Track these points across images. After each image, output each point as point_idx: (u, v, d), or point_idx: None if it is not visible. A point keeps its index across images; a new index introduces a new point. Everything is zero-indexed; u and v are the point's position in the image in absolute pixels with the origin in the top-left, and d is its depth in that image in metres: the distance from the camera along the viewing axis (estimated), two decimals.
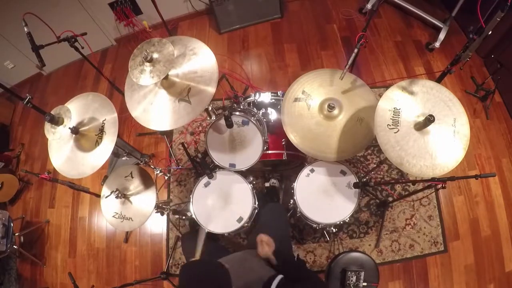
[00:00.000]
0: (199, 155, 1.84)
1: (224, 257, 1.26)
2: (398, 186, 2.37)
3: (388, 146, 1.33)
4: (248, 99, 1.97)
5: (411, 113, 1.38)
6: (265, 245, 1.25)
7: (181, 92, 1.43)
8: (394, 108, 1.38)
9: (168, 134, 2.72)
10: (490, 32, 1.32)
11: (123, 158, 2.32)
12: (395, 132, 1.35)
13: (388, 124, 1.36)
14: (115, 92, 2.52)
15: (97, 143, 1.53)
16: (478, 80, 2.69)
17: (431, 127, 1.33)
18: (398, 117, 1.37)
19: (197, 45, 1.49)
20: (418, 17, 3.05)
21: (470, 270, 2.16)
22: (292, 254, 1.71)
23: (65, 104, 1.61)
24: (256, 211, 1.75)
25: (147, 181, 1.70)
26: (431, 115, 1.27)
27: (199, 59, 1.46)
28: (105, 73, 2.88)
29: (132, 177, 1.72)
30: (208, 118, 1.83)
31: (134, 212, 1.65)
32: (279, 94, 1.93)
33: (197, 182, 1.80)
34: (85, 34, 1.97)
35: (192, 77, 1.44)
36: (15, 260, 2.54)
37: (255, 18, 3.19)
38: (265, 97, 1.93)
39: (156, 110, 1.47)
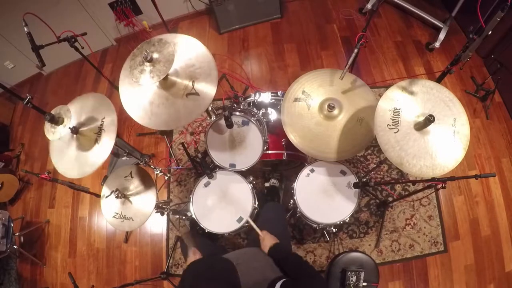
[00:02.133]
0: (199, 155, 1.83)
1: (229, 254, 1.25)
2: (398, 186, 2.37)
3: (388, 146, 1.33)
4: (248, 99, 1.97)
5: (411, 113, 1.38)
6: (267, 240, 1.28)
7: (186, 88, 1.42)
8: (394, 108, 1.38)
9: (168, 134, 2.72)
10: (490, 32, 1.32)
11: (123, 158, 2.32)
12: (395, 132, 1.35)
13: (388, 124, 1.36)
14: (115, 92, 2.52)
15: (96, 141, 1.53)
16: (478, 80, 2.69)
17: (431, 127, 1.33)
18: (398, 117, 1.36)
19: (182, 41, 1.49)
20: (418, 17, 3.05)
21: (470, 270, 2.16)
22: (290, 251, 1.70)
23: (67, 105, 1.61)
24: (256, 211, 1.75)
25: (147, 181, 1.70)
26: (431, 115, 1.27)
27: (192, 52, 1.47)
28: (105, 73, 2.87)
29: (132, 177, 1.72)
30: (208, 118, 1.84)
31: (134, 212, 1.65)
32: (279, 94, 1.93)
33: (197, 182, 1.80)
34: (85, 34, 1.97)
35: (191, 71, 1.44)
36: (15, 260, 2.54)
37: (255, 18, 3.19)
38: (265, 97, 1.93)
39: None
